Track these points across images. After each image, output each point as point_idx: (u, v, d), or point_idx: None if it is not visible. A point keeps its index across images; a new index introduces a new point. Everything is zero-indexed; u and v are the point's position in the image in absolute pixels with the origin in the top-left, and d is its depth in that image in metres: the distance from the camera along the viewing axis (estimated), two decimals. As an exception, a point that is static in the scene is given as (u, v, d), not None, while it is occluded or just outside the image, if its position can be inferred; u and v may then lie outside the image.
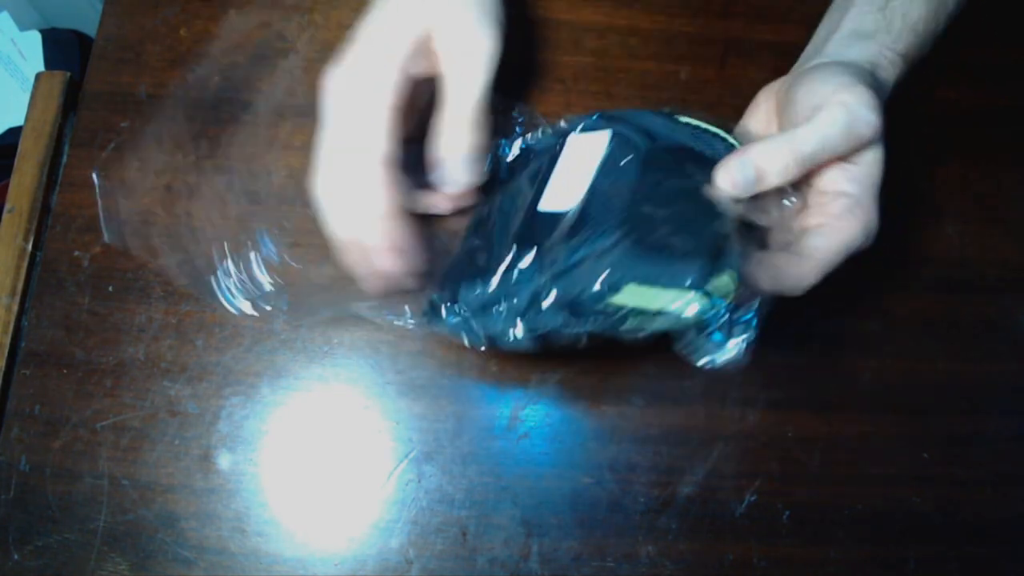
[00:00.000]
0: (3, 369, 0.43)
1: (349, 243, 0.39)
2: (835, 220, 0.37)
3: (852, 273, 0.38)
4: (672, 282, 0.34)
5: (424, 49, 0.40)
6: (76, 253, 0.45)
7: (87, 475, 0.41)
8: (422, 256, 0.40)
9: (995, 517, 0.45)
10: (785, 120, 0.40)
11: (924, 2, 0.42)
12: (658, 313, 0.35)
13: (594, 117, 0.42)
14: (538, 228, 0.39)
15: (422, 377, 0.44)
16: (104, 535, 0.41)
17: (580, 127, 0.42)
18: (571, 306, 0.36)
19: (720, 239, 0.35)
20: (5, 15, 0.94)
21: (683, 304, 0.34)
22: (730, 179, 0.37)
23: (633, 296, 0.35)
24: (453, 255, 0.43)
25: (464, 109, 0.40)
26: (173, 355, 0.43)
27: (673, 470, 0.44)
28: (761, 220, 0.38)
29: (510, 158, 0.46)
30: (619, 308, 0.35)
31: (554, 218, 0.38)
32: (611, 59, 0.51)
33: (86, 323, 0.44)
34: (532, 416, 0.44)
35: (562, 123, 0.44)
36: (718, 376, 0.45)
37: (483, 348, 0.39)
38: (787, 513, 0.44)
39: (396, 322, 0.41)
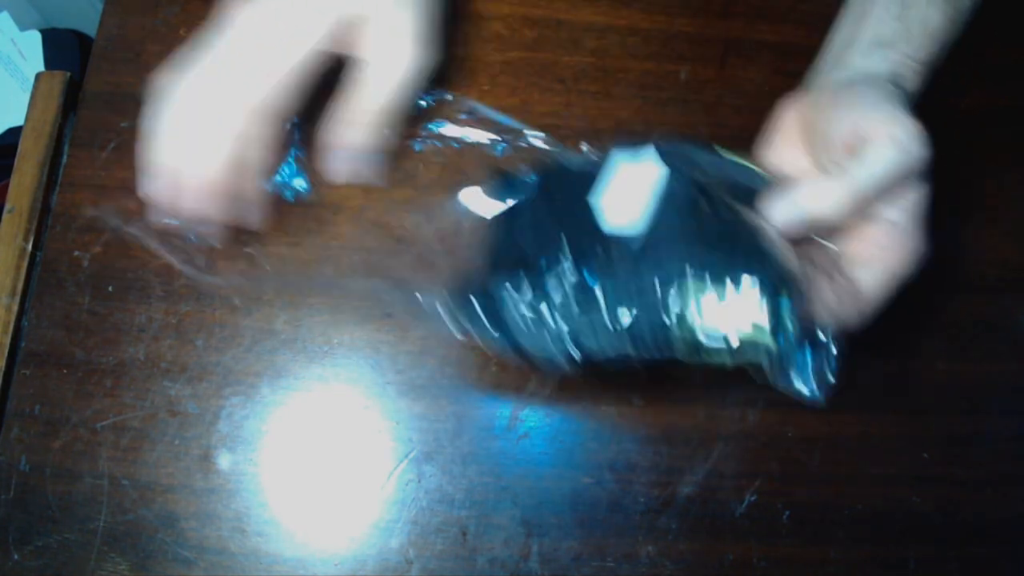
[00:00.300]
0: (3, 369, 0.43)
1: (175, 165, 0.38)
2: (882, 251, 0.36)
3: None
4: (739, 305, 0.35)
5: (347, 30, 0.39)
6: (76, 253, 0.45)
7: (87, 475, 0.41)
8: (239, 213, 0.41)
9: (995, 517, 0.45)
10: (819, 146, 0.39)
11: (941, 9, 0.41)
12: (721, 337, 0.35)
13: (636, 145, 0.42)
14: (592, 243, 0.39)
15: (422, 377, 0.44)
16: (104, 535, 0.41)
17: (626, 153, 0.42)
18: (629, 325, 0.36)
19: (778, 271, 0.35)
20: (5, 15, 0.94)
21: (748, 328, 0.34)
22: (779, 218, 0.36)
23: (698, 316, 0.35)
24: (485, 257, 0.43)
25: (366, 110, 0.40)
26: (173, 355, 0.43)
27: (673, 470, 0.44)
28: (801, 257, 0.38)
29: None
30: (680, 327, 0.35)
31: (611, 236, 0.38)
32: (611, 59, 0.51)
33: (86, 323, 0.44)
34: (532, 416, 0.44)
35: (583, 147, 0.44)
36: (718, 376, 0.45)
37: (514, 359, 0.39)
38: (787, 513, 0.44)
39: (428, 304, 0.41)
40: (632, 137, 0.42)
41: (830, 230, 0.38)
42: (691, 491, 0.43)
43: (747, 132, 0.50)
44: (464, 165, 0.47)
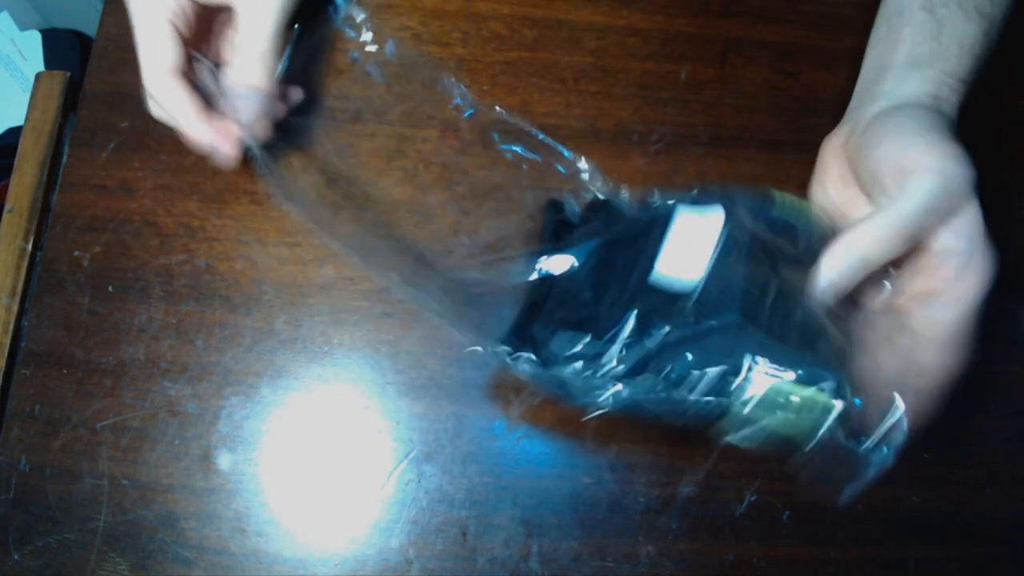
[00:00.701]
0: (3, 369, 0.43)
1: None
2: (950, 285, 0.35)
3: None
4: (809, 381, 0.34)
5: None
6: (76, 253, 0.45)
7: (87, 475, 0.41)
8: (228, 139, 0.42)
9: (995, 517, 0.45)
10: (866, 182, 0.38)
11: (977, 24, 0.40)
12: (783, 406, 0.34)
13: (694, 192, 0.42)
14: (654, 293, 0.38)
15: (422, 377, 0.44)
16: (104, 535, 0.41)
17: (686, 202, 0.41)
18: (676, 377, 0.36)
19: (836, 341, 0.35)
20: (5, 15, 0.94)
21: (819, 402, 0.34)
22: (835, 269, 0.35)
23: (760, 385, 0.34)
24: (540, 294, 0.42)
25: (250, 49, 0.42)
26: (173, 355, 0.43)
27: (673, 470, 0.43)
28: (863, 307, 0.37)
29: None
30: (724, 385, 0.35)
31: (672, 287, 0.38)
32: (611, 59, 0.51)
33: (86, 323, 0.44)
34: (532, 416, 0.44)
35: (620, 193, 0.44)
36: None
37: (557, 398, 0.39)
38: (787, 513, 0.44)
39: (476, 347, 0.41)
40: (683, 182, 0.41)
41: (886, 269, 0.37)
42: (691, 491, 0.43)
43: (747, 132, 0.50)
44: (466, 167, 0.47)
